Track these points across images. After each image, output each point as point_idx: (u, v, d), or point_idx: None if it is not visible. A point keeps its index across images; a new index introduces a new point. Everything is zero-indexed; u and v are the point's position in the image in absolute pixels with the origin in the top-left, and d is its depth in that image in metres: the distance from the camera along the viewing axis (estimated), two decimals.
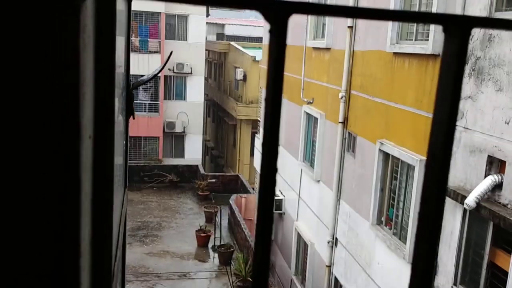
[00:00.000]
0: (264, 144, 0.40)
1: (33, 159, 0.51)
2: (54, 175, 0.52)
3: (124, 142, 1.95)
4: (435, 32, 7.48)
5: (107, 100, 0.83)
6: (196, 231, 18.44)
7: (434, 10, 7.52)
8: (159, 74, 25.96)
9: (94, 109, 0.78)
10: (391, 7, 8.77)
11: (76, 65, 0.49)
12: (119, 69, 1.61)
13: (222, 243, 17.82)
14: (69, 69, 0.49)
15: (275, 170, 0.40)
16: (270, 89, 0.38)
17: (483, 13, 6.50)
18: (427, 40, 7.80)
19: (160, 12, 26.10)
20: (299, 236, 13.61)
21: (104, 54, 0.79)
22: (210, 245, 18.23)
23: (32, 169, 0.51)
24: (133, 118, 2.02)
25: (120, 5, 1.56)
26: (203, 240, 18.21)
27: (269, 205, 0.42)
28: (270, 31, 0.37)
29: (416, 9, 8.34)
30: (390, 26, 8.80)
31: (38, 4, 0.46)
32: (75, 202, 0.54)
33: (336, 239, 11.22)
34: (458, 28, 0.44)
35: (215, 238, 18.08)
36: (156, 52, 26.09)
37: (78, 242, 0.56)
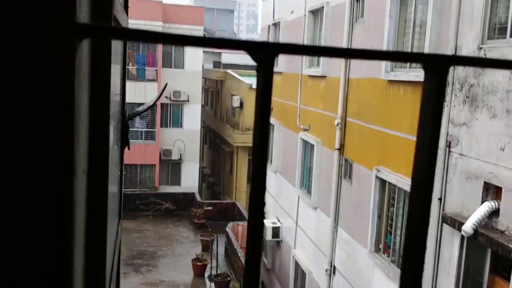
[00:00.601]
0: (251, 192, 0.40)
1: (26, 195, 0.51)
2: (47, 209, 0.52)
3: (119, 173, 1.95)
4: None
5: (101, 135, 0.84)
6: (193, 260, 18.22)
7: (427, 37, 7.64)
8: (155, 102, 26.07)
9: (88, 144, 0.78)
10: (385, 35, 8.90)
11: (70, 103, 0.50)
12: (115, 99, 1.62)
13: (218, 272, 17.60)
14: (63, 107, 0.50)
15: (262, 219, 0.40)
16: (257, 124, 0.39)
17: (476, 41, 6.60)
18: (421, 68, 7.89)
19: None
20: (296, 264, 13.47)
21: (99, 92, 0.80)
22: (206, 275, 17.99)
23: (25, 204, 0.52)
24: (128, 149, 2.02)
25: (115, 42, 1.59)
26: (199, 269, 17.98)
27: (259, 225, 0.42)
28: (257, 70, 0.38)
29: (410, 37, 8.47)
30: None
31: (35, 44, 0.47)
32: (68, 236, 0.54)
33: (334, 267, 11.11)
34: (436, 67, 0.46)
35: (211, 267, 17.86)
36: (153, 80, 26.28)
37: (71, 276, 0.55)
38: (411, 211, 0.49)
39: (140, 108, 3.49)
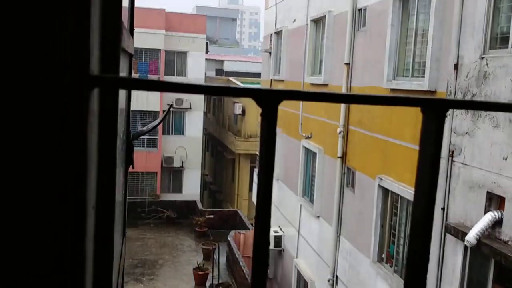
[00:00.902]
0: (255, 225, 0.40)
1: (40, 236, 0.54)
2: (60, 246, 0.54)
3: (123, 192, 1.94)
4: (431, 69, 7.57)
5: (108, 172, 0.87)
6: (194, 269, 18.16)
7: (429, 47, 7.64)
8: (158, 110, 26.15)
9: (97, 181, 0.81)
10: (387, 44, 8.90)
11: (83, 148, 0.53)
12: (120, 120, 1.62)
13: (220, 281, 17.53)
14: (77, 151, 0.53)
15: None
16: (262, 166, 0.39)
17: (478, 51, 6.59)
18: (423, 76, 7.90)
19: (160, 49, 26.50)
20: (299, 274, 13.41)
21: (107, 131, 0.83)
22: (208, 284, 17.92)
23: (38, 245, 0.54)
24: (133, 168, 2.02)
25: (121, 63, 1.60)
26: (200, 278, 17.91)
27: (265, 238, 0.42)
28: (261, 115, 0.38)
29: (412, 46, 8.47)
30: (386, 63, 8.93)
31: (51, 96, 0.51)
32: (80, 271, 0.56)
33: (337, 277, 11.05)
34: (434, 110, 0.47)
35: (213, 276, 17.80)
36: None
37: None
38: (411, 248, 0.49)
39: (145, 128, 3.51)
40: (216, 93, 0.39)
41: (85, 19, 0.52)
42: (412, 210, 0.50)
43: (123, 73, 1.68)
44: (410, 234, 0.50)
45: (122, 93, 1.69)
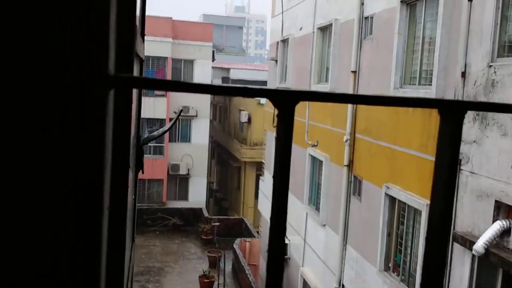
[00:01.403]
0: (271, 229, 0.39)
1: (56, 237, 0.54)
2: (79, 248, 0.55)
3: (133, 196, 1.95)
4: (438, 77, 7.55)
5: (122, 174, 0.87)
6: (199, 276, 18.11)
7: (436, 55, 7.63)
8: (164, 118, 26.22)
9: (111, 183, 0.81)
10: (394, 52, 8.90)
11: (101, 148, 0.54)
12: (132, 128, 1.64)
13: None
14: (95, 151, 0.54)
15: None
16: (278, 169, 0.39)
17: (485, 60, 6.57)
18: (430, 84, 7.87)
19: (166, 57, 26.63)
20: (305, 283, 13.33)
21: (120, 135, 0.83)
22: None
23: (56, 247, 0.54)
24: (142, 173, 2.02)
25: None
26: (206, 286, 17.85)
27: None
28: (278, 116, 0.38)
29: (419, 54, 8.46)
30: (393, 70, 8.92)
31: (72, 95, 0.52)
32: (96, 271, 0.57)
33: (343, 285, 10.97)
34: (452, 112, 0.46)
35: (218, 284, 17.73)
36: (162, 95, 26.46)
37: None
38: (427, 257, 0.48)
39: (155, 133, 3.53)
40: (231, 94, 0.39)
41: (104, 21, 0.53)
42: (428, 214, 0.49)
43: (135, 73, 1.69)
44: (427, 238, 0.49)
45: (133, 98, 1.70)
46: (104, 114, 0.53)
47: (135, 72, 1.58)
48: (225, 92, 0.38)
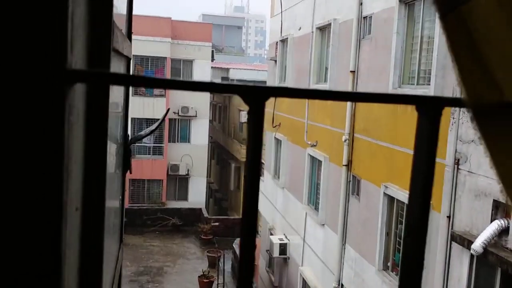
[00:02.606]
0: (242, 229, 0.40)
1: (17, 237, 0.52)
2: (36, 250, 0.53)
3: (120, 197, 1.95)
4: (437, 76, 7.57)
5: (97, 174, 0.86)
6: (199, 276, 18.12)
7: (435, 54, 7.64)
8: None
9: (83, 181, 0.80)
10: (392, 52, 8.91)
11: (60, 146, 0.52)
12: (116, 123, 1.62)
13: None
14: (51, 150, 0.52)
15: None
16: (249, 164, 0.39)
17: None
18: (429, 84, 7.89)
19: (165, 57, 26.64)
20: (304, 282, 13.34)
21: (94, 134, 0.82)
22: None
23: (16, 247, 0.53)
24: (130, 173, 2.02)
25: (118, 66, 1.60)
26: (206, 286, 17.86)
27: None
28: (248, 113, 0.38)
29: (417, 53, 8.47)
30: (392, 70, 8.93)
31: (25, 91, 0.50)
32: (57, 274, 0.55)
33: (342, 285, 10.98)
34: (429, 108, 0.47)
35: (218, 284, 17.75)
36: (161, 96, 26.46)
37: None
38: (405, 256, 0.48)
39: (142, 133, 3.52)
40: (200, 89, 0.39)
41: (62, 14, 0.52)
42: (406, 212, 0.49)
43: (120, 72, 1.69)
44: (404, 237, 0.50)
45: (119, 96, 1.69)
46: (62, 110, 0.51)
47: (118, 71, 1.58)
48: (191, 88, 0.38)
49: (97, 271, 0.92)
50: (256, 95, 0.39)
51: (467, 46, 0.47)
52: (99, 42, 0.87)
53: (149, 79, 0.39)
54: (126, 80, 0.39)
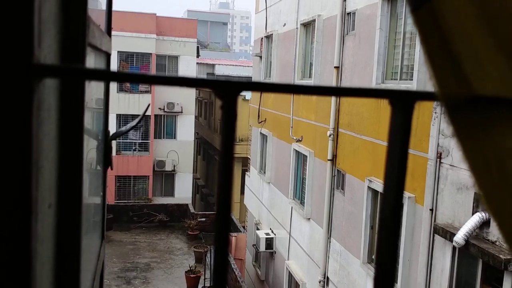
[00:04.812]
0: (216, 221, 0.43)
1: None
2: (1, 246, 0.52)
3: (102, 193, 1.95)
4: (419, 71, 7.67)
5: (72, 170, 0.85)
6: (186, 272, 18.12)
7: (417, 49, 7.74)
8: (149, 114, 26.09)
9: (58, 177, 0.80)
10: (376, 47, 8.99)
11: (27, 141, 0.51)
12: (96, 118, 1.64)
13: (212, 284, 17.47)
14: (19, 146, 0.51)
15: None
16: (222, 157, 0.42)
17: None
18: (412, 79, 7.98)
19: (151, 53, 26.47)
20: (290, 276, 13.44)
21: (70, 126, 0.82)
22: (200, 286, 17.89)
23: None
24: (111, 169, 2.03)
25: (98, 62, 1.60)
26: (192, 281, 17.88)
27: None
28: (221, 107, 0.41)
29: (400, 49, 8.56)
30: (375, 66, 9.01)
31: None
32: (26, 270, 0.54)
33: (328, 278, 11.09)
34: (402, 102, 0.47)
35: (205, 278, 17.78)
36: (146, 92, 26.31)
37: None
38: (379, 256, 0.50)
39: (123, 128, 3.52)
40: (173, 84, 0.39)
41: (27, 4, 0.50)
42: (380, 205, 0.51)
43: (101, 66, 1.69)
44: (379, 231, 0.50)
45: (98, 92, 1.70)
46: (29, 105, 0.50)
47: (97, 66, 1.57)
48: (164, 82, 0.39)
49: (74, 268, 0.90)
50: (228, 89, 0.40)
51: (438, 39, 0.47)
52: (73, 37, 0.85)
53: (121, 74, 0.39)
54: (95, 75, 0.40)
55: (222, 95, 0.40)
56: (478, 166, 0.49)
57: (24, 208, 0.52)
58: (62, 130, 0.79)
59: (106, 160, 1.92)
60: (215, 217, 0.44)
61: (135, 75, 0.40)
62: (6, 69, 0.48)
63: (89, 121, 1.06)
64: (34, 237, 0.54)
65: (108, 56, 1.92)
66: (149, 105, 4.71)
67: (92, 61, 1.36)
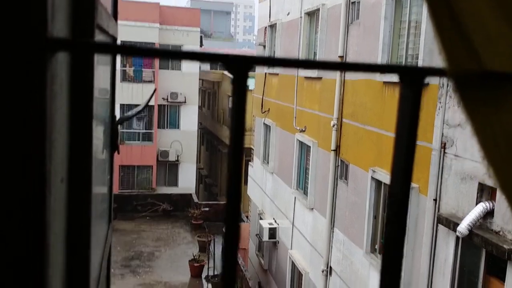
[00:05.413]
0: (227, 192, 0.43)
1: None
2: (17, 215, 0.53)
3: (109, 177, 1.97)
4: (424, 61, 7.62)
5: (83, 142, 0.86)
6: (190, 261, 18.23)
7: (422, 38, 7.68)
8: (153, 104, 26.09)
9: (69, 152, 0.81)
10: (380, 36, 8.94)
11: (41, 115, 0.52)
12: (103, 102, 1.64)
13: (216, 273, 17.61)
14: (33, 119, 0.52)
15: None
16: (233, 132, 0.42)
17: None
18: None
19: (154, 43, 26.40)
20: (293, 265, 13.49)
21: (80, 102, 0.82)
22: (203, 275, 18.00)
23: None
24: (118, 153, 2.04)
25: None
26: (196, 270, 17.98)
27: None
28: (233, 82, 0.40)
29: (405, 38, 8.50)
30: (380, 55, 8.96)
31: (4, 56, 0.49)
32: (41, 246, 0.55)
33: (331, 267, 11.13)
34: (411, 78, 0.47)
35: (208, 267, 17.87)
36: (150, 81, 26.29)
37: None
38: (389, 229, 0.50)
39: (130, 113, 3.52)
40: (183, 58, 0.39)
41: None
42: (389, 186, 0.51)
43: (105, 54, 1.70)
44: (388, 213, 0.50)
45: (106, 76, 1.70)
46: (43, 78, 0.50)
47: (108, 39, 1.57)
48: (174, 56, 0.39)
49: (85, 242, 0.93)
50: (240, 63, 0.40)
51: (447, 14, 0.47)
52: (82, 16, 0.87)
53: (132, 48, 0.39)
54: (106, 49, 0.40)
55: (233, 69, 0.40)
56: (486, 141, 0.49)
57: (39, 179, 0.53)
58: (72, 105, 0.79)
59: (112, 144, 1.92)
60: (226, 191, 0.43)
61: (144, 49, 0.40)
62: (22, 42, 0.49)
63: (96, 104, 1.06)
64: (48, 208, 0.56)
65: (114, 40, 1.92)
66: (155, 90, 4.71)
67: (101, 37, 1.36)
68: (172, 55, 0.39)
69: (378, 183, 9.12)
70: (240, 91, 0.41)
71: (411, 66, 0.49)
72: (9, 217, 0.53)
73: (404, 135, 0.48)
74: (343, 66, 0.47)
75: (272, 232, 14.84)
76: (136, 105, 25.48)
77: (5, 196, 0.52)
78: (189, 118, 27.93)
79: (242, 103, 0.40)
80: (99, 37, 1.26)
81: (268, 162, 16.12)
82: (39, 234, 0.54)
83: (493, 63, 0.46)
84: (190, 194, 26.17)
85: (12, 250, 0.54)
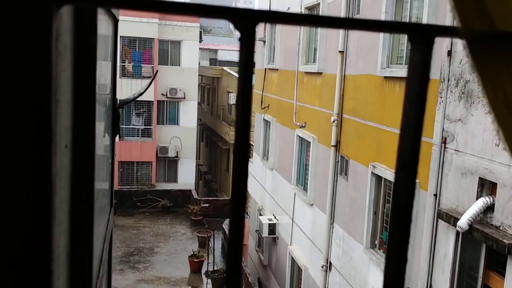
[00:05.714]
0: (235, 150, 0.41)
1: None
2: (23, 177, 0.53)
3: (110, 160, 1.95)
4: None
5: (86, 108, 0.85)
6: (189, 256, 18.25)
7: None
8: (152, 100, 26.05)
9: (73, 119, 0.80)
10: (380, 36, 8.89)
11: (47, 73, 0.51)
12: (105, 85, 1.62)
13: (215, 268, 17.63)
14: (38, 77, 0.51)
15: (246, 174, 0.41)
16: (240, 95, 0.40)
17: None
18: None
19: (153, 38, 26.35)
20: (293, 261, 13.50)
21: (83, 63, 0.81)
22: (203, 271, 18.02)
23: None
24: (120, 137, 2.03)
25: (106, 27, 1.58)
26: (196, 265, 18.00)
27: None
28: (240, 39, 0.39)
29: (405, 40, 8.46)
30: (380, 51, 8.94)
31: (6, 11, 0.49)
32: (47, 210, 0.55)
33: (330, 263, 11.14)
34: (422, 37, 0.46)
35: (208, 263, 17.89)
36: (149, 77, 26.23)
37: (50, 251, 0.56)
38: (395, 199, 0.49)
39: (131, 96, 3.51)
40: (188, 13, 0.38)
41: None
42: (397, 151, 0.49)
43: (108, 34, 1.68)
44: (393, 190, 0.50)
45: (106, 61, 1.68)
46: (49, 33, 0.49)
47: (108, 31, 1.56)
48: (176, 11, 0.38)
49: (88, 208, 0.92)
50: (247, 18, 0.39)
51: None
52: None
53: (134, 1, 0.38)
54: (110, 2, 0.38)
55: (240, 25, 0.38)
56: (496, 102, 0.48)
57: (44, 136, 0.53)
58: (76, 66, 0.78)
59: (114, 128, 1.91)
60: (233, 176, 0.41)
61: (147, 2, 0.39)
62: None
63: (98, 88, 1.05)
64: (54, 169, 0.55)
65: (116, 22, 1.90)
66: (157, 72, 4.70)
67: (102, 23, 1.34)
68: (174, 9, 0.38)
69: (378, 178, 9.12)
70: (247, 48, 0.39)
71: (421, 24, 0.47)
72: (15, 178, 0.52)
73: (415, 96, 0.46)
74: (353, 23, 0.45)
75: (272, 228, 14.84)
76: (135, 102, 25.46)
77: (12, 153, 0.51)
78: (189, 114, 27.91)
79: (249, 59, 0.38)
80: (101, 19, 1.24)
81: (267, 158, 16.11)
82: (44, 196, 0.54)
83: (506, 25, 0.45)
84: (190, 190, 26.18)
85: (18, 209, 0.53)
